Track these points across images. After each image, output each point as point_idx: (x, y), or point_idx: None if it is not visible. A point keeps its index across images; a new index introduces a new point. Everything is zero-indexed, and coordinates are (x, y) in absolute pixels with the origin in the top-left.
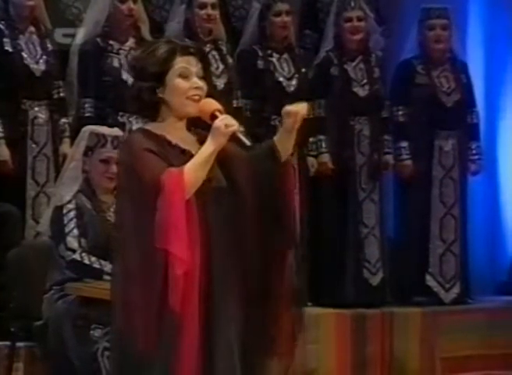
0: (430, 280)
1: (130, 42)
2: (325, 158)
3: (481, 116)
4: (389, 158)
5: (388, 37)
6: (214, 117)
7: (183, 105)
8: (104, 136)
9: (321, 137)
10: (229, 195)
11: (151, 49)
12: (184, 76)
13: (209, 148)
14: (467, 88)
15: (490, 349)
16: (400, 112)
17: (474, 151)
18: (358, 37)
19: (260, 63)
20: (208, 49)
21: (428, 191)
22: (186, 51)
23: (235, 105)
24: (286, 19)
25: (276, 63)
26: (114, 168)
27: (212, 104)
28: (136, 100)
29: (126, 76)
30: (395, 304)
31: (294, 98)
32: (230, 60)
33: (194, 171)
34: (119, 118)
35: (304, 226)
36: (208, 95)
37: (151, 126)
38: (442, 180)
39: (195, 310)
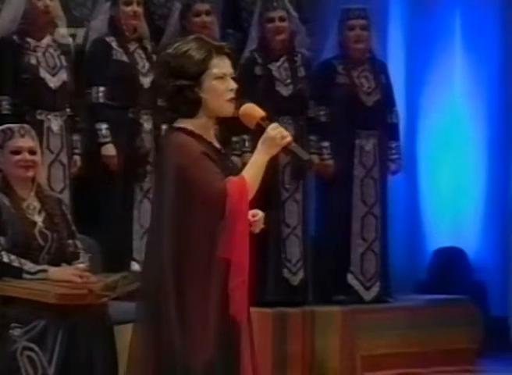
0: (351, 279)
1: (47, 39)
2: (248, 157)
3: (402, 115)
4: (315, 158)
5: (310, 37)
6: (260, 124)
7: (222, 107)
8: (9, 129)
9: (245, 136)
10: None
11: (186, 48)
12: (220, 77)
13: (263, 157)
14: (386, 88)
15: (409, 347)
16: (322, 112)
17: (394, 151)
18: (281, 37)
19: None
20: (133, 48)
21: (350, 190)
22: (220, 52)
23: (160, 105)
24: (206, 19)
25: None
26: (27, 156)
27: (257, 110)
28: (174, 97)
29: (44, 74)
30: (316, 303)
31: None
32: (155, 58)
33: (253, 180)
34: (37, 115)
35: None
36: (137, 93)
37: (187, 125)
38: (363, 180)
39: (247, 317)
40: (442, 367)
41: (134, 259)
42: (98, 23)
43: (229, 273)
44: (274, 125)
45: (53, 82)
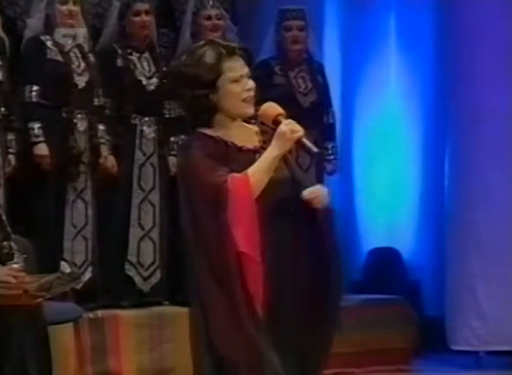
0: None
1: None
2: None
3: (337, 116)
4: None
5: (243, 37)
6: (277, 121)
7: (238, 108)
8: None
9: (184, 137)
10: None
11: (199, 55)
12: (236, 80)
13: (273, 152)
14: (323, 89)
15: (344, 347)
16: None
17: (330, 152)
18: (217, 34)
19: (119, 61)
20: (69, 47)
21: None
22: (233, 53)
23: (96, 104)
24: (146, 18)
25: (136, 62)
26: None
27: (275, 108)
28: (192, 107)
29: None
30: None
31: (154, 96)
32: (92, 58)
33: (258, 175)
34: None
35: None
36: (71, 93)
37: (207, 130)
38: None
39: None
40: (376, 367)
41: (64, 259)
42: (34, 22)
43: (244, 266)
44: (287, 121)
45: None
